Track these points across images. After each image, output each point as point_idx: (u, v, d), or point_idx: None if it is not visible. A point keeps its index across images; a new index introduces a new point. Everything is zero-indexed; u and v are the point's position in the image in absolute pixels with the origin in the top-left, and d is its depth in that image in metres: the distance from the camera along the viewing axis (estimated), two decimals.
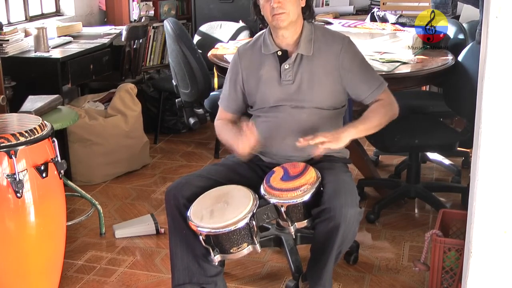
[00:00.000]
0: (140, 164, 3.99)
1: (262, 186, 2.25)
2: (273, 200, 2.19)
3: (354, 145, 3.31)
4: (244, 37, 4.25)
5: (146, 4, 5.02)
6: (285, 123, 2.39)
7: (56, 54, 3.66)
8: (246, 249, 2.18)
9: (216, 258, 2.20)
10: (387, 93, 2.44)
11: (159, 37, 5.14)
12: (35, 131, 2.31)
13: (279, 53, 2.40)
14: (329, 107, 2.40)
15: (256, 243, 2.18)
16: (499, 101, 1.76)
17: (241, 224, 2.11)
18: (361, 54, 2.46)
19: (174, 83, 3.75)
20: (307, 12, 2.42)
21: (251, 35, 4.06)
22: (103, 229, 3.11)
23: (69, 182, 3.04)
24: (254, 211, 2.15)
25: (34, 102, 3.02)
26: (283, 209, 2.18)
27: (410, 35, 3.26)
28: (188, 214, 2.20)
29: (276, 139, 2.38)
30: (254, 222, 2.15)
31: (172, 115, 4.66)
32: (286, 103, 2.39)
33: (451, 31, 3.49)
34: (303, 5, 2.38)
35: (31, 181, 2.27)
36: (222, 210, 2.16)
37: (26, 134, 2.27)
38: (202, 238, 2.16)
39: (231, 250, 2.17)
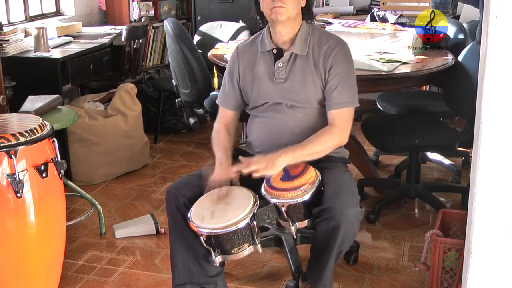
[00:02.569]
0: (140, 164, 3.99)
1: (262, 186, 2.24)
2: (273, 200, 2.19)
3: (354, 145, 3.31)
4: (244, 37, 4.24)
5: (146, 4, 5.02)
6: (282, 123, 2.39)
7: (56, 54, 3.66)
8: (247, 250, 2.18)
9: (218, 259, 2.20)
10: (347, 116, 2.34)
11: (159, 37, 5.14)
12: (35, 131, 2.31)
13: (274, 51, 2.40)
14: (323, 105, 2.39)
15: (257, 243, 2.18)
16: (499, 101, 1.77)
17: (242, 224, 2.11)
18: (352, 64, 2.39)
19: (174, 83, 3.75)
20: (307, 13, 2.42)
21: (251, 35, 4.05)
22: (103, 229, 3.11)
23: (69, 182, 3.04)
24: (255, 211, 2.14)
25: (34, 102, 3.01)
26: (283, 209, 2.18)
27: (410, 35, 3.26)
28: (189, 215, 2.19)
29: (273, 139, 2.38)
30: (255, 222, 2.14)
31: (172, 115, 4.66)
32: (281, 101, 2.39)
33: (451, 31, 3.49)
34: (303, 5, 2.38)
35: (31, 181, 2.27)
36: (223, 210, 2.16)
37: (26, 134, 2.27)
38: (203, 239, 2.16)
39: (232, 251, 2.17)
